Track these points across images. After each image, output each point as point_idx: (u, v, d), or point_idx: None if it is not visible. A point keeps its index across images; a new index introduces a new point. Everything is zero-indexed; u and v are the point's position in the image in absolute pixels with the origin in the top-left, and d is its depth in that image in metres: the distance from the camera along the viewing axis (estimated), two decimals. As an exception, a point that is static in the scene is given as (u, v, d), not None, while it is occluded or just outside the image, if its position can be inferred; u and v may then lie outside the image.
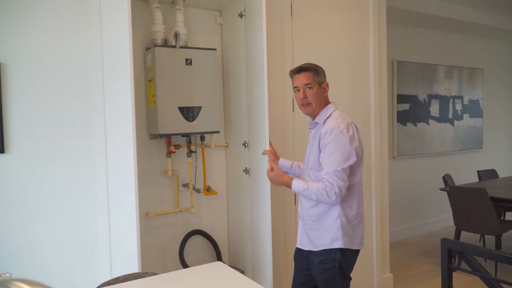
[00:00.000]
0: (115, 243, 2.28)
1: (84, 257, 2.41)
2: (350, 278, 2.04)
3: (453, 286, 1.69)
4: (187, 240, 2.76)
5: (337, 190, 1.86)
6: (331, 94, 3.03)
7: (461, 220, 3.82)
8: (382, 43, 3.37)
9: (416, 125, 5.16)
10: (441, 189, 4.23)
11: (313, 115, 2.07)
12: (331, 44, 3.14)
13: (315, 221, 2.00)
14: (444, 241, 1.68)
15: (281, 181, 2.03)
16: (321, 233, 1.98)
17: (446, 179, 4.35)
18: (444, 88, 5.48)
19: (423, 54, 5.21)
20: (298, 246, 2.12)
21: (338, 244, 1.93)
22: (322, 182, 1.90)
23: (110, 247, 2.33)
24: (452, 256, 1.69)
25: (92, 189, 2.42)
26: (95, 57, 2.37)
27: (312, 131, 2.09)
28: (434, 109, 5.37)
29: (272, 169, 2.05)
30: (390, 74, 4.85)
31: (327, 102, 2.08)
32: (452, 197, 3.87)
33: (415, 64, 5.10)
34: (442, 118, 5.48)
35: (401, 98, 4.98)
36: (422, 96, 5.22)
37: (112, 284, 1.43)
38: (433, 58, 5.32)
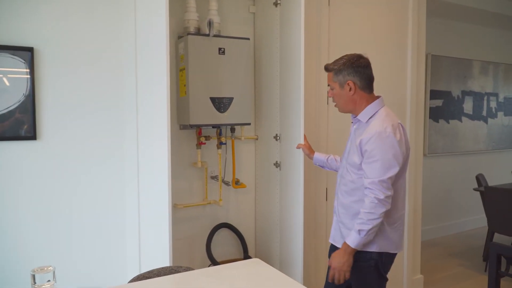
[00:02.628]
0: (145, 235, 2.25)
1: (112, 248, 2.39)
2: (386, 279, 1.95)
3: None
4: (214, 233, 2.71)
5: (384, 199, 1.73)
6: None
7: (496, 222, 3.67)
8: (421, 36, 3.24)
9: (448, 122, 4.99)
10: (474, 189, 4.08)
11: (351, 113, 1.95)
12: (369, 36, 3.02)
13: (351, 218, 1.90)
14: (493, 245, 1.58)
15: (345, 259, 1.80)
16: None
17: (480, 179, 4.19)
18: (479, 84, 5.28)
19: (458, 49, 5.02)
20: (331, 241, 2.05)
21: (372, 248, 1.82)
22: (367, 197, 1.76)
23: (139, 239, 2.30)
24: (500, 262, 1.58)
25: (123, 178, 2.39)
26: (128, 45, 2.33)
27: (354, 126, 1.95)
28: (468, 106, 5.18)
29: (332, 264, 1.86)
30: (424, 69, 4.68)
31: (367, 100, 1.88)
32: (488, 197, 3.71)
33: (449, 58, 4.92)
34: (476, 115, 5.28)
35: (434, 94, 4.82)
36: (455, 92, 5.04)
37: (147, 277, 1.38)
38: (468, 53, 5.12)
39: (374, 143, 1.75)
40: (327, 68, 1.95)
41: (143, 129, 2.23)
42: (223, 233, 2.80)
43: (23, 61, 2.12)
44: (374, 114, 1.86)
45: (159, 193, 1.97)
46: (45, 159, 2.20)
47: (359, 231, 1.75)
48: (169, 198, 1.90)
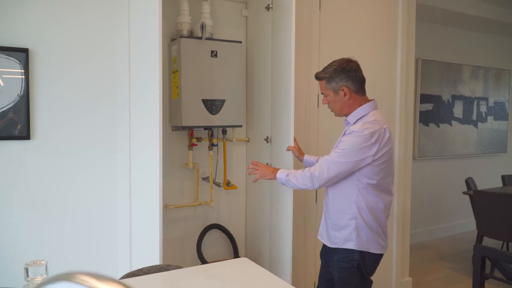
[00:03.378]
0: (135, 234, 2.26)
1: (104, 247, 2.40)
2: (370, 281, 1.98)
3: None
4: (205, 233, 2.74)
5: (316, 173, 1.85)
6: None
7: (485, 225, 3.72)
8: (411, 41, 3.28)
9: (438, 126, 5.05)
10: (464, 193, 4.13)
11: (343, 115, 2.00)
12: (359, 39, 3.06)
13: (332, 217, 1.96)
14: (478, 248, 1.62)
15: (271, 171, 2.06)
16: (336, 231, 1.93)
17: (469, 182, 4.25)
18: (469, 89, 5.35)
19: (449, 53, 5.09)
20: (319, 237, 2.09)
21: (351, 245, 1.88)
22: (312, 167, 1.89)
23: (130, 238, 2.32)
24: (485, 264, 1.62)
25: (115, 178, 2.41)
26: (121, 46, 2.35)
27: (345, 127, 1.98)
28: (458, 110, 5.25)
29: (257, 165, 2.10)
30: (414, 73, 4.74)
31: (359, 102, 1.92)
32: (476, 201, 3.77)
33: (440, 63, 4.98)
34: (466, 119, 5.35)
35: (424, 98, 4.88)
36: (446, 97, 5.10)
37: (136, 275, 1.40)
38: (458, 58, 5.19)
39: (347, 138, 1.84)
40: (318, 77, 1.98)
41: (135, 130, 2.25)
42: (214, 234, 2.82)
43: (18, 62, 2.13)
44: (362, 116, 1.90)
45: (150, 193, 1.99)
46: (39, 159, 2.22)
47: (288, 176, 1.96)
48: (160, 198, 1.92)
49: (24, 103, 2.14)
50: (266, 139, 2.66)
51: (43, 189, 2.23)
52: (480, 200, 3.71)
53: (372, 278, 3.16)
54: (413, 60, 3.30)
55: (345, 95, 1.91)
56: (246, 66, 2.85)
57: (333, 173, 1.83)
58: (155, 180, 1.93)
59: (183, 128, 2.46)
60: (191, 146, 2.59)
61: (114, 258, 2.43)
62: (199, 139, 2.62)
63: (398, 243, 3.25)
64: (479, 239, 3.88)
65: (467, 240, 4.91)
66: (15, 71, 2.12)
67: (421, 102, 4.84)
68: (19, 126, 2.14)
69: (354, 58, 1.96)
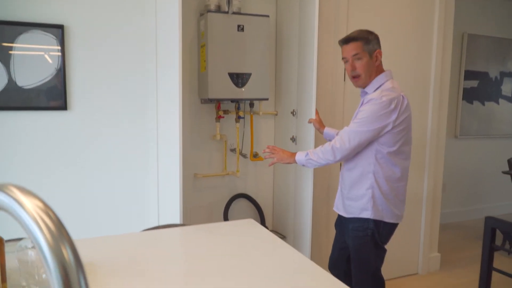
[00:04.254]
0: (162, 199, 2.42)
1: (134, 210, 2.58)
2: (384, 250, 2.01)
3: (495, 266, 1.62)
4: (231, 202, 2.86)
5: (337, 145, 1.85)
6: (387, 66, 2.93)
7: (523, 206, 3.58)
8: (449, 13, 3.15)
9: (484, 104, 4.83)
10: (503, 172, 3.98)
11: (364, 86, 1.99)
12: (390, 11, 2.99)
13: (348, 188, 1.99)
14: (488, 219, 1.61)
15: (288, 155, 2.07)
16: (352, 201, 1.97)
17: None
18: (520, 65, 5.05)
19: (498, 28, 4.81)
20: (335, 209, 2.13)
21: (366, 214, 1.90)
22: (333, 141, 1.90)
23: (158, 203, 2.48)
24: (495, 235, 1.61)
25: (145, 146, 2.56)
26: (149, 22, 2.46)
27: (362, 99, 1.99)
28: (506, 88, 4.98)
29: (274, 149, 2.12)
30: (458, 48, 4.55)
31: (380, 71, 1.95)
32: (515, 181, 3.62)
33: (488, 38, 4.73)
34: (515, 98, 5.07)
35: (469, 75, 4.67)
36: (493, 73, 4.85)
37: (155, 229, 1.55)
38: (509, 32, 4.89)
39: (366, 106, 1.85)
40: (355, 38, 1.93)
41: (161, 101, 2.38)
42: (242, 203, 2.94)
43: (55, 37, 2.30)
44: (380, 85, 1.91)
45: (173, 162, 2.12)
46: (75, 128, 2.40)
47: (307, 156, 1.97)
48: (180, 167, 2.05)
49: (61, 76, 2.32)
50: (292, 112, 2.71)
51: (80, 155, 2.43)
52: (520, 181, 3.57)
53: (397, 251, 3.18)
54: (451, 33, 3.17)
55: (377, 60, 1.93)
56: (275, 40, 2.88)
57: (355, 143, 1.85)
58: (176, 150, 2.05)
59: (210, 100, 2.56)
60: (218, 118, 2.69)
61: (144, 221, 2.61)
62: (226, 112, 2.72)
63: (427, 219, 3.22)
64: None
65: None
66: (51, 48, 2.30)
67: (466, 79, 4.65)
68: (57, 98, 2.33)
69: (385, 29, 1.98)
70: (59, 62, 2.31)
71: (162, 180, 2.41)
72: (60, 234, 0.37)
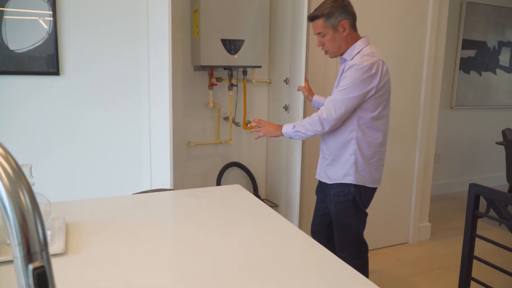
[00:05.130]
0: (155, 166, 2.44)
1: (128, 176, 2.60)
2: (365, 214, 2.06)
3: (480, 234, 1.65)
4: (225, 170, 2.88)
5: (324, 116, 1.86)
6: (379, 35, 2.89)
7: (515, 176, 3.62)
8: (446, -20, 3.09)
9: (480, 74, 4.80)
10: (497, 143, 4.00)
11: (338, 56, 2.01)
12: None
13: (331, 155, 2.01)
14: (472, 186, 1.63)
15: (275, 128, 2.06)
16: (335, 167, 1.99)
17: (506, 133, 4.08)
18: (520, 35, 4.99)
19: (499, -4, 4.72)
20: (317, 176, 2.16)
21: (349, 180, 1.94)
22: (318, 112, 1.90)
23: (150, 170, 2.50)
24: (479, 202, 1.64)
25: (138, 113, 2.56)
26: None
27: (342, 66, 2.00)
28: (504, 57, 4.94)
29: (260, 123, 2.10)
30: (456, 17, 4.48)
31: (355, 38, 1.94)
32: (508, 151, 3.65)
33: (487, 6, 4.65)
34: (513, 68, 5.04)
35: (467, 44, 4.62)
36: (491, 43, 4.80)
37: (145, 193, 1.58)
38: (509, 1, 4.80)
39: (348, 72, 1.85)
40: (315, 16, 1.94)
41: (153, 68, 2.36)
42: (235, 172, 2.96)
43: (46, 1, 2.26)
44: (359, 52, 1.91)
45: (163, 129, 2.12)
46: (67, 93, 2.39)
47: (295, 128, 1.97)
48: (170, 135, 2.06)
49: (52, 41, 2.29)
50: (286, 81, 2.69)
51: (72, 121, 2.42)
52: (512, 151, 3.59)
53: (387, 221, 3.24)
54: (447, 1, 3.11)
55: (344, 30, 1.91)
56: (270, 6, 2.83)
57: (341, 111, 1.86)
58: (166, 117, 2.05)
59: (203, 67, 2.54)
60: (211, 85, 2.67)
61: (136, 187, 2.64)
62: (219, 79, 2.70)
63: (418, 189, 3.26)
64: (510, 191, 3.80)
65: (501, 193, 4.79)
66: (43, 12, 2.25)
67: (463, 48, 4.60)
68: (49, 63, 2.31)
69: None
70: (51, 26, 2.27)
71: (154, 147, 2.42)
72: (18, 179, 0.38)
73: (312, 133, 1.93)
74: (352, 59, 1.91)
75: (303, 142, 2.46)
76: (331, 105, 1.87)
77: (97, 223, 1.27)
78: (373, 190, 2.02)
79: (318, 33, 1.96)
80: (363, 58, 1.84)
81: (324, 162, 2.06)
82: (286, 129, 2.02)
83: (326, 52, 2.02)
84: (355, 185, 1.94)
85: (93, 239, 1.15)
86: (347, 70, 1.87)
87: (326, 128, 1.90)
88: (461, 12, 4.49)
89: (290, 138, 2.05)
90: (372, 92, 1.84)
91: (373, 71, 1.82)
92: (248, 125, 2.20)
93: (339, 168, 1.97)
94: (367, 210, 2.06)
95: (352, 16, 1.92)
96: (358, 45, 1.92)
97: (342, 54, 1.98)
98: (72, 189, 2.46)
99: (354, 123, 1.90)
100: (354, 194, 1.95)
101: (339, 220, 2.02)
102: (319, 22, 1.93)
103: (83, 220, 1.29)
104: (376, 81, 1.83)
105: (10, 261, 1.00)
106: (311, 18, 1.97)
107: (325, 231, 2.19)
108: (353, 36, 1.95)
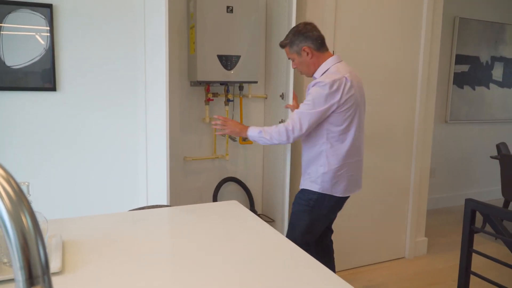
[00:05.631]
0: (151, 181, 2.43)
1: (124, 192, 2.59)
2: (323, 222, 2.12)
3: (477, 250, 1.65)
4: (221, 185, 2.88)
5: (290, 128, 1.96)
6: (373, 51, 2.92)
7: (510, 190, 3.63)
8: (439, -3, 3.15)
9: (474, 89, 4.85)
10: (492, 157, 4.03)
11: (312, 74, 2.13)
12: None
13: (306, 166, 2.12)
14: (468, 201, 1.64)
15: (240, 128, 2.13)
16: (306, 176, 2.11)
17: (501, 147, 4.11)
18: (511, 50, 5.06)
19: (490, 12, 4.81)
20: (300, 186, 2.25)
21: (315, 188, 2.04)
22: (286, 122, 2.00)
23: (146, 185, 2.49)
24: (475, 217, 1.64)
25: (134, 128, 2.56)
26: (138, 3, 2.44)
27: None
28: (497, 72, 5.00)
29: (225, 121, 2.16)
30: (449, 32, 4.55)
31: (323, 58, 2.06)
32: (503, 165, 3.67)
33: (479, 22, 4.73)
34: (506, 83, 5.10)
35: (460, 59, 4.68)
36: (484, 58, 4.87)
37: (141, 209, 1.57)
38: (501, 16, 4.89)
39: (312, 89, 1.97)
40: (281, 45, 2.14)
41: (150, 84, 2.37)
42: (231, 186, 2.96)
43: (43, 17, 2.27)
44: (326, 70, 2.03)
45: (160, 145, 2.12)
46: (64, 109, 2.39)
47: (261, 133, 2.04)
48: (167, 151, 2.08)
49: (50, 57, 2.30)
50: (281, 96, 2.71)
51: (68, 137, 2.42)
52: (507, 164, 3.62)
53: (383, 235, 3.22)
54: (441, 17, 3.16)
55: (307, 54, 2.05)
56: (265, 22, 2.87)
57: (305, 125, 1.96)
58: (163, 132, 2.06)
59: (199, 83, 2.55)
60: (207, 101, 2.69)
61: (132, 203, 2.62)
62: (215, 95, 2.71)
63: (414, 204, 3.26)
64: (505, 205, 3.81)
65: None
66: (40, 27, 2.27)
67: (456, 63, 4.66)
68: (46, 79, 2.31)
69: (311, 21, 2.10)
70: (48, 42, 2.29)
71: (151, 162, 2.42)
72: (20, 201, 0.38)
73: (277, 141, 2.03)
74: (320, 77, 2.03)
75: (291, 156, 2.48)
76: (297, 118, 1.98)
77: (94, 241, 1.26)
78: (341, 199, 2.09)
79: (289, 59, 2.17)
80: (327, 76, 1.97)
81: (302, 171, 2.17)
82: (252, 132, 2.09)
83: (301, 73, 2.17)
84: (319, 193, 2.04)
85: (90, 257, 1.14)
86: (312, 86, 1.98)
87: (291, 140, 2.01)
88: (454, 27, 4.56)
89: (255, 141, 2.13)
90: (334, 108, 1.95)
91: (335, 87, 1.93)
92: (213, 123, 2.23)
93: (308, 177, 2.08)
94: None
95: (313, 40, 2.04)
96: (326, 64, 2.05)
97: (313, 74, 2.11)
98: (68, 204, 2.44)
99: (323, 137, 2.01)
100: (315, 201, 2.05)
101: (292, 220, 2.13)
102: (286, 49, 2.13)
103: (79, 237, 1.28)
104: (337, 97, 1.93)
105: (6, 281, 0.99)
106: (280, 46, 2.15)
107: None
108: (321, 57, 2.07)
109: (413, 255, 3.35)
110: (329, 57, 2.07)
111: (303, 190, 2.11)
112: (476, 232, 1.66)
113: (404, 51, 3.07)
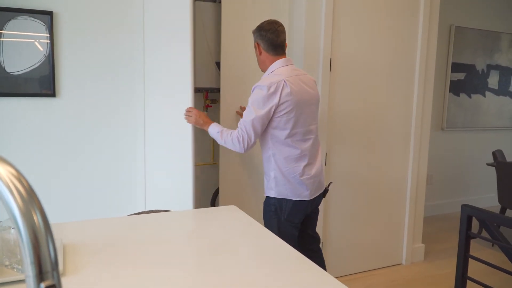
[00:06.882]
0: (149, 185, 2.44)
1: (123, 196, 2.60)
2: (291, 226, 2.10)
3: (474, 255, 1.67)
4: (219, 191, 2.88)
5: (240, 139, 1.96)
6: (369, 59, 2.95)
7: (508, 197, 3.66)
8: (435, 6, 3.19)
9: (470, 97, 4.89)
10: (488, 164, 4.05)
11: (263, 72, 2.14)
12: (375, 1, 3.00)
13: (264, 171, 2.12)
14: (465, 207, 1.65)
15: (204, 121, 2.13)
16: (265, 182, 2.11)
17: (496, 154, 4.14)
18: (507, 58, 5.11)
19: (486, 20, 4.86)
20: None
21: (271, 193, 2.05)
22: (237, 131, 1.99)
23: (145, 189, 2.50)
24: (471, 223, 1.66)
25: (133, 133, 2.57)
26: (137, 10, 2.46)
27: None
28: (493, 80, 5.05)
29: (191, 110, 2.16)
30: (445, 41, 4.60)
31: (273, 60, 2.04)
32: (499, 172, 3.70)
33: (475, 30, 4.78)
34: (502, 91, 5.14)
35: (456, 67, 4.72)
36: (480, 66, 4.91)
37: (141, 214, 1.58)
38: (496, 25, 4.95)
39: (252, 94, 1.97)
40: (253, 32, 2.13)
41: (151, 90, 2.38)
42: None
43: (43, 24, 2.30)
44: (271, 72, 2.02)
45: (158, 152, 2.13)
46: (63, 114, 2.41)
47: (218, 134, 2.05)
48: (192, 154, 2.20)
49: (49, 63, 2.32)
50: (279, 103, 2.73)
51: (68, 142, 2.43)
52: (503, 171, 3.64)
53: (380, 241, 3.23)
54: (437, 25, 3.20)
55: (257, 50, 2.08)
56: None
57: (251, 131, 1.95)
58: (188, 139, 2.10)
59: (198, 90, 2.57)
60: (206, 107, 2.71)
61: (130, 207, 2.63)
62: (214, 101, 2.73)
63: (411, 210, 3.28)
64: (501, 212, 3.83)
65: (493, 213, 4.82)
66: (40, 34, 2.29)
67: (453, 71, 4.70)
68: (45, 85, 2.33)
69: (280, 22, 2.07)
70: (48, 49, 2.31)
71: (150, 167, 2.43)
72: (31, 199, 0.39)
73: (232, 148, 2.03)
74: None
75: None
76: (243, 126, 1.97)
77: (94, 245, 1.27)
78: (299, 203, 2.06)
79: None
80: (267, 78, 1.96)
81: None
82: (212, 129, 2.11)
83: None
84: (277, 198, 2.04)
85: (90, 261, 1.15)
86: (252, 90, 1.98)
87: (244, 150, 1.99)
88: (450, 36, 4.61)
89: (213, 137, 2.14)
90: (273, 110, 1.93)
91: (272, 90, 1.91)
92: (185, 114, 2.25)
93: (266, 182, 2.10)
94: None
95: (264, 40, 2.03)
96: (273, 66, 2.04)
97: (264, 71, 2.11)
98: (67, 209, 2.45)
99: (269, 141, 2.02)
100: (276, 206, 2.05)
101: (266, 226, 2.12)
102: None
103: (80, 241, 1.29)
104: (276, 100, 1.91)
105: (8, 283, 1.00)
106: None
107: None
108: (269, 58, 2.05)
109: (410, 261, 3.36)
110: (276, 61, 2.04)
111: (266, 197, 2.12)
112: (473, 238, 1.68)
113: (400, 59, 3.10)
